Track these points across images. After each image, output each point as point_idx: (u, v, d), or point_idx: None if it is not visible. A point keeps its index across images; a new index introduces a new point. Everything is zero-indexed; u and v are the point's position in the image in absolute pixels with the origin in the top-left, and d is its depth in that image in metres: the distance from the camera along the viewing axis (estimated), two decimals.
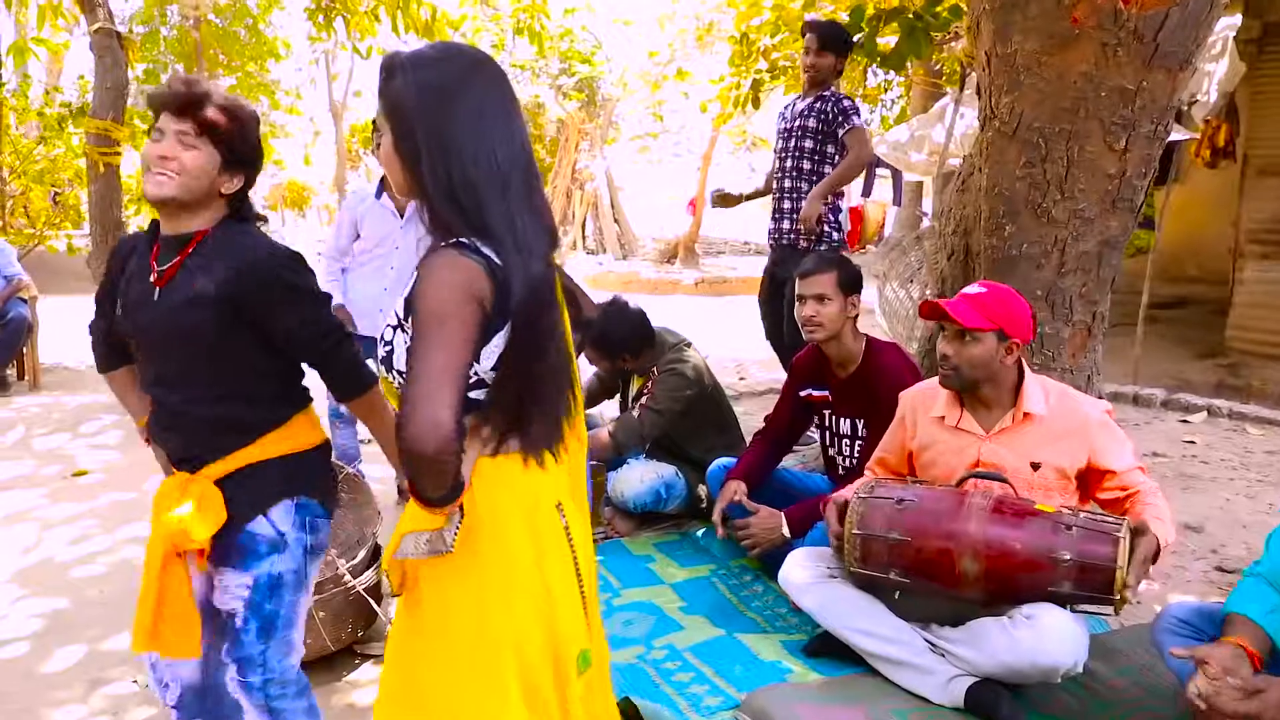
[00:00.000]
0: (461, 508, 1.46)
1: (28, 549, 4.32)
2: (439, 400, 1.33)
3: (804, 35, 4.47)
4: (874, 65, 6.68)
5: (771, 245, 4.68)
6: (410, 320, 1.43)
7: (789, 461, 3.80)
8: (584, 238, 18.26)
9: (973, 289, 2.44)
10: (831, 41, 4.37)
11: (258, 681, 1.94)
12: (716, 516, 3.06)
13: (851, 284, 3.09)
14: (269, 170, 17.97)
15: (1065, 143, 2.79)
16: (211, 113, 1.80)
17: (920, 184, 15.42)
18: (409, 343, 1.41)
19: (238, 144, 1.86)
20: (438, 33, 8.66)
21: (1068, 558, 2.19)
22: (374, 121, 1.52)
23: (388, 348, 1.48)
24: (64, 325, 9.47)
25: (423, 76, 1.43)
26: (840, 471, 3.25)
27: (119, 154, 6.12)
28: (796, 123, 4.44)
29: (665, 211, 21.44)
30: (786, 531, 3.00)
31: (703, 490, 3.58)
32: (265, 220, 2.04)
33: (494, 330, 1.42)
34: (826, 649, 2.63)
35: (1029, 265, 2.99)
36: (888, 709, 2.34)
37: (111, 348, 2.04)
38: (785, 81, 9.14)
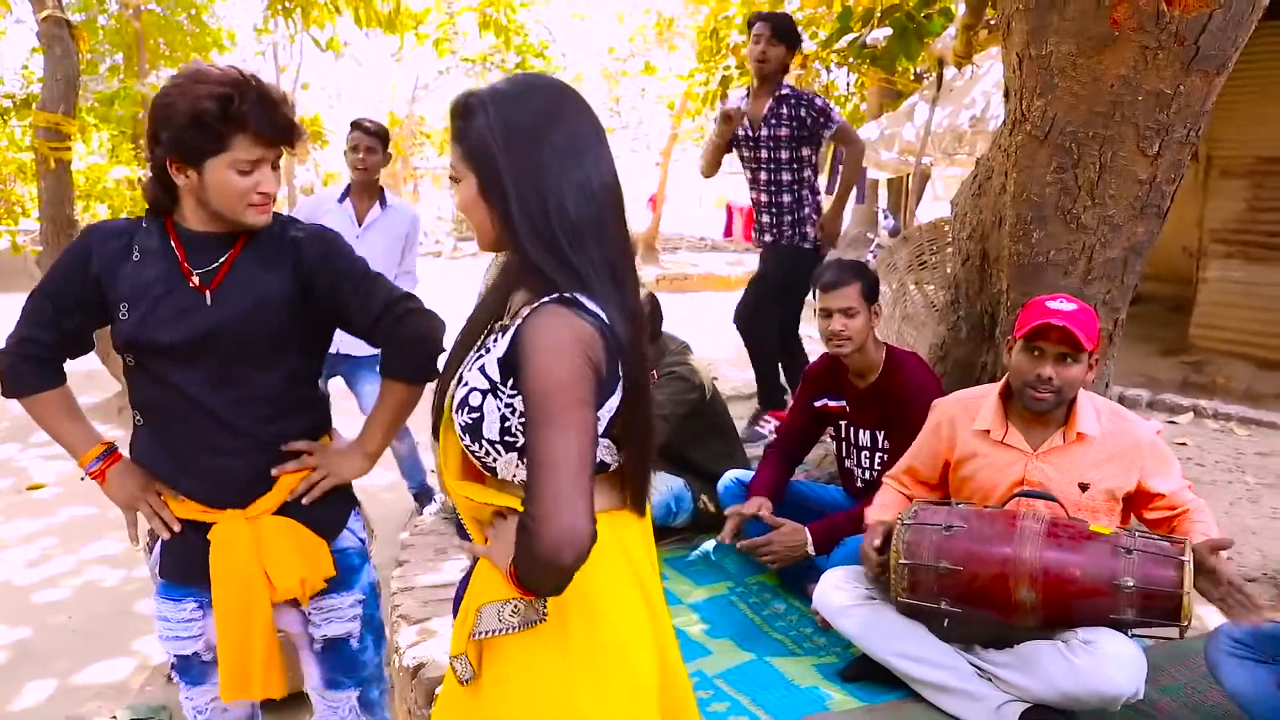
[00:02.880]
0: None
1: None
2: (578, 503, 1.18)
3: (752, 26, 4.32)
4: (861, 65, 6.62)
5: (761, 251, 4.62)
6: (515, 388, 1.25)
7: None
8: None
9: (1064, 304, 2.33)
10: (785, 33, 4.26)
11: (377, 695, 1.90)
12: (731, 529, 2.92)
13: (873, 293, 3.00)
14: None
15: (1098, 148, 2.71)
16: (301, 134, 1.65)
17: (877, 181, 15.52)
18: (524, 420, 1.23)
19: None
20: (400, 27, 8.43)
21: (1130, 584, 2.11)
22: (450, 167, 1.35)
23: (474, 415, 1.29)
24: (9, 324, 9.07)
25: (509, 114, 1.28)
26: (858, 484, 3.16)
27: (70, 149, 5.80)
28: (764, 132, 4.28)
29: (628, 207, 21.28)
30: (811, 549, 2.90)
31: (706, 503, 3.46)
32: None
33: (607, 394, 1.27)
34: (864, 673, 2.53)
35: (1056, 272, 2.91)
36: None
37: (45, 364, 1.75)
38: (750, 79, 9.09)
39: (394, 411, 1.85)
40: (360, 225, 3.88)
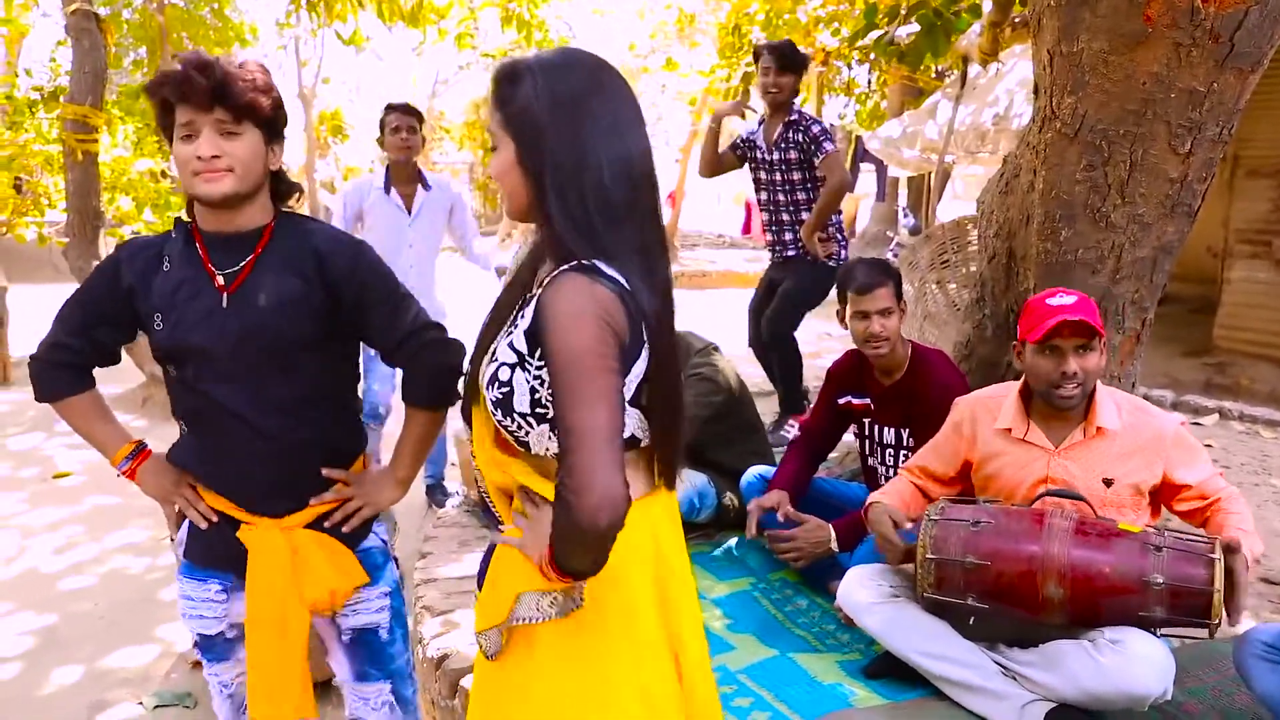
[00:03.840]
0: None
1: (9, 559, 4.10)
2: (610, 466, 1.18)
3: (758, 59, 4.45)
4: (889, 62, 6.59)
5: (774, 263, 4.66)
6: (540, 359, 1.26)
7: None
8: None
9: (1063, 299, 2.32)
10: (790, 62, 4.36)
11: (410, 693, 1.91)
12: (753, 522, 2.93)
13: (900, 291, 2.99)
14: None
15: (1129, 145, 2.69)
16: (244, 93, 1.61)
17: (897, 179, 15.46)
18: (551, 391, 1.24)
19: (278, 114, 1.70)
20: (422, 21, 8.45)
21: (1160, 581, 2.10)
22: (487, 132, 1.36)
23: (504, 389, 1.29)
24: (36, 316, 9.15)
25: (556, 85, 1.28)
26: (882, 482, 3.13)
27: (97, 141, 5.85)
28: (776, 155, 4.41)
29: None
30: (835, 545, 2.89)
31: (731, 499, 3.46)
32: (302, 190, 1.87)
33: (631, 361, 1.28)
34: (887, 670, 2.52)
35: (1084, 271, 2.90)
36: None
37: (75, 370, 1.78)
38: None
39: (420, 437, 1.87)
40: (410, 214, 3.91)
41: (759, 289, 4.72)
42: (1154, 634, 2.21)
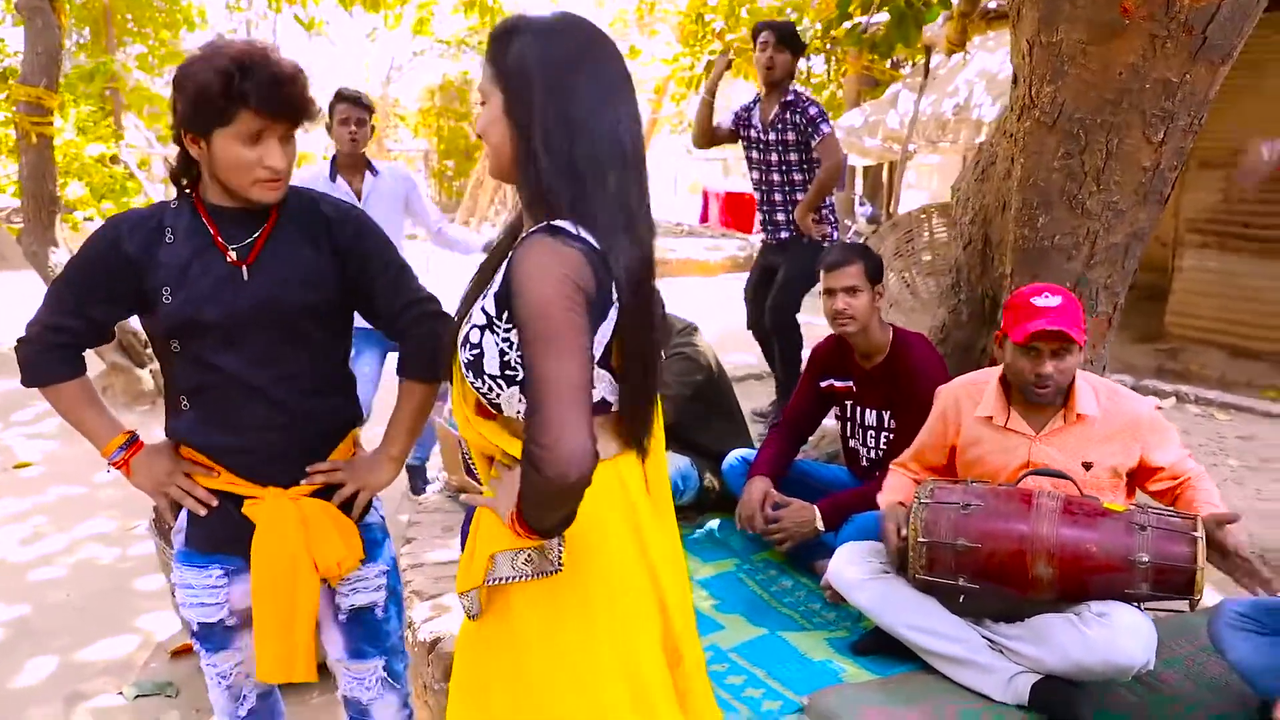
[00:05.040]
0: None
1: None
2: (577, 420, 1.21)
3: (756, 36, 4.46)
4: (861, 51, 6.65)
5: (766, 245, 4.66)
6: (509, 321, 1.29)
7: None
8: None
9: (1049, 300, 2.37)
10: (787, 40, 4.38)
11: (402, 668, 1.92)
12: (758, 521, 2.98)
13: (877, 273, 3.04)
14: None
15: (1105, 134, 2.77)
16: (311, 106, 1.64)
17: (854, 168, 15.59)
18: (520, 350, 1.27)
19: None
20: (384, 5, 8.34)
21: (1145, 559, 2.17)
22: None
23: (475, 351, 1.32)
24: None
25: (551, 44, 1.31)
26: (863, 463, 3.21)
27: (52, 123, 5.70)
28: (772, 136, 4.42)
29: None
30: (820, 525, 2.95)
31: (711, 480, 3.50)
32: None
33: (597, 322, 1.30)
34: (876, 646, 2.58)
35: (1060, 257, 2.97)
36: (954, 709, 2.30)
37: (68, 352, 1.72)
38: (738, 63, 9.10)
39: (414, 412, 1.87)
40: (361, 200, 3.86)
41: (753, 273, 4.73)
42: (1138, 607, 2.29)
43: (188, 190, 1.72)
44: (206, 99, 1.56)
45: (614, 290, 1.30)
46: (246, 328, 1.67)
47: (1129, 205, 2.90)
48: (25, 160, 5.70)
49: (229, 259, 1.67)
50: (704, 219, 20.08)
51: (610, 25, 13.74)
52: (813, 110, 4.31)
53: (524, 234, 1.32)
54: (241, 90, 1.55)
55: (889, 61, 11.28)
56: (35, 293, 6.32)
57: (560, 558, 1.33)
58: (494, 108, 1.33)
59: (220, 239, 1.67)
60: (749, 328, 4.74)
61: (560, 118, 1.29)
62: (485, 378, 1.32)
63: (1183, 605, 2.25)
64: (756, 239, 15.28)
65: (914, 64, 10.16)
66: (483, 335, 1.31)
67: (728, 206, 18.05)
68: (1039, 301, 2.39)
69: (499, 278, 1.32)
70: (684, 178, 23.42)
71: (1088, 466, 2.45)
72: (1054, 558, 2.24)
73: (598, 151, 1.30)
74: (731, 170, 22.81)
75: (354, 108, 3.87)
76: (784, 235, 4.52)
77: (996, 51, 8.12)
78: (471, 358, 1.32)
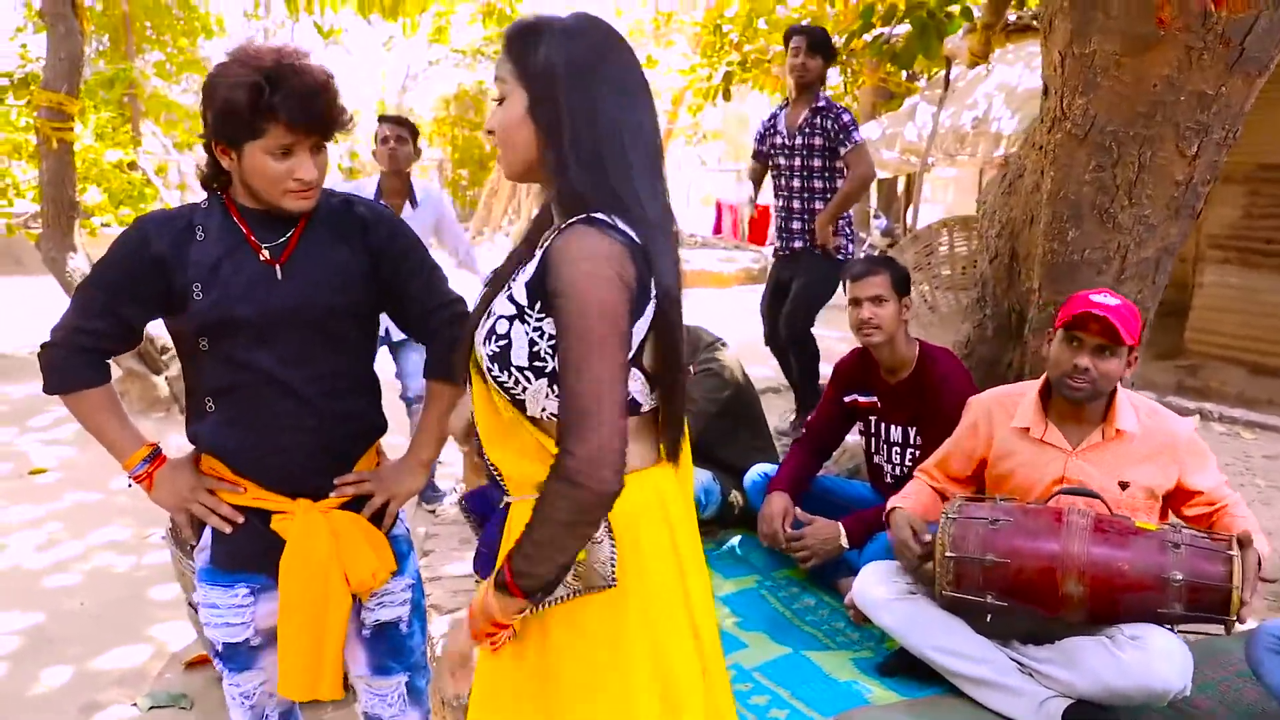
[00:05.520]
0: (610, 527, 1.29)
1: None
2: (613, 425, 1.17)
3: (788, 41, 4.43)
4: (883, 63, 6.62)
5: (781, 257, 4.61)
6: (542, 310, 1.24)
7: None
8: None
9: (1107, 299, 2.34)
10: (820, 45, 4.35)
11: (424, 685, 1.89)
12: (781, 539, 2.93)
13: (904, 284, 3.00)
14: (199, 150, 17.20)
15: (1138, 147, 2.73)
16: (342, 116, 1.62)
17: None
18: (556, 343, 1.22)
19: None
20: (403, 13, 8.35)
21: (1179, 578, 2.12)
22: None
23: (502, 342, 1.26)
24: (4, 308, 8.91)
25: (576, 45, 1.29)
26: (887, 480, 3.16)
27: (72, 129, 5.71)
28: (799, 140, 4.38)
29: None
30: (845, 542, 2.90)
31: (735, 496, 3.45)
32: None
33: (637, 314, 1.26)
34: (902, 668, 2.53)
35: (1090, 272, 2.93)
36: None
37: (94, 357, 1.68)
38: (755, 75, 9.09)
39: (443, 416, 1.85)
40: None
41: (768, 286, 4.69)
42: (1171, 630, 2.24)
43: (215, 190, 1.69)
44: (234, 113, 1.54)
45: (652, 285, 1.27)
46: (279, 326, 1.64)
47: (1160, 220, 2.86)
48: (46, 165, 5.71)
49: (262, 258, 1.65)
50: (717, 230, 20.07)
51: (628, 34, 13.78)
52: (846, 117, 4.27)
53: (558, 225, 1.28)
54: (270, 104, 1.52)
55: (904, 74, 11.25)
56: (53, 298, 6.33)
57: (613, 570, 1.29)
58: (515, 107, 1.30)
59: (253, 239, 1.65)
60: (766, 343, 4.70)
61: (590, 118, 1.27)
62: (511, 370, 1.27)
63: (1210, 628, 2.19)
64: (769, 250, 15.32)
65: (929, 77, 10.13)
66: (511, 325, 1.26)
67: (762, 224, 18.04)
68: (1096, 298, 2.35)
69: (531, 267, 1.27)
70: (697, 189, 23.42)
71: (1124, 486, 2.41)
72: (1085, 575, 2.19)
73: (628, 149, 1.28)
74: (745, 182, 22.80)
75: (394, 126, 3.98)
76: (797, 245, 4.46)
77: (1016, 65, 8.08)
78: (498, 349, 1.27)
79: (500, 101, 1.32)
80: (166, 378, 6.09)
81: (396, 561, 1.82)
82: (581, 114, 1.26)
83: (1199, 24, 2.52)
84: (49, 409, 5.90)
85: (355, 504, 1.77)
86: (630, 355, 1.26)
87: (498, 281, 1.37)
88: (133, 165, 8.98)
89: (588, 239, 1.21)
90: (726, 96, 8.46)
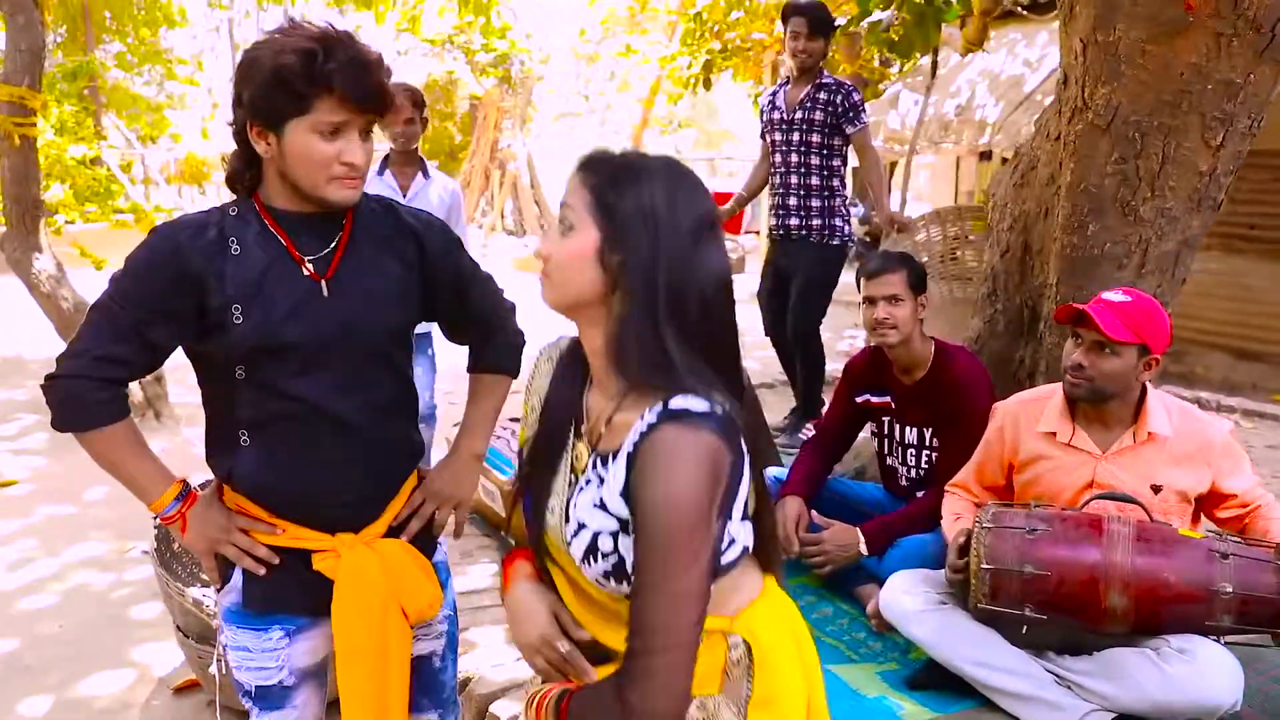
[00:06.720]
0: (748, 647, 1.22)
1: None
2: (685, 657, 1.08)
3: (786, 19, 4.25)
4: (879, 51, 6.52)
5: (776, 239, 4.48)
6: (636, 516, 1.12)
7: None
8: (502, 219, 17.78)
9: (1115, 296, 2.26)
10: (821, 25, 4.19)
11: None
12: (796, 545, 2.83)
13: (920, 283, 2.90)
14: (165, 143, 16.81)
15: (1163, 138, 2.64)
16: (395, 96, 1.50)
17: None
18: (638, 563, 1.11)
19: None
20: (373, 4, 8.15)
21: (1229, 590, 2.04)
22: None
23: (613, 560, 1.15)
24: None
25: (675, 200, 1.17)
26: (902, 482, 3.07)
27: (35, 124, 5.48)
28: (798, 115, 4.22)
29: None
30: (864, 549, 2.80)
31: None
32: None
33: (736, 491, 1.17)
34: (932, 681, 2.44)
35: (1110, 266, 2.85)
36: None
37: (120, 387, 1.48)
38: (736, 63, 8.97)
39: (497, 406, 1.77)
40: (405, 196, 3.71)
41: (765, 276, 4.56)
42: (1217, 641, 2.16)
43: (241, 190, 1.53)
44: (284, 81, 1.37)
45: (743, 445, 1.18)
46: (328, 350, 1.48)
47: (1183, 212, 2.78)
48: (8, 163, 5.48)
49: (305, 271, 1.48)
50: None
51: (602, 24, 13.60)
52: (856, 96, 4.17)
53: (635, 410, 1.15)
54: (325, 71, 1.37)
55: (877, 60, 11.19)
56: (17, 300, 6.07)
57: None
58: (583, 244, 1.17)
59: (296, 251, 1.48)
60: (766, 334, 4.58)
61: (683, 282, 1.15)
62: (628, 581, 1.15)
63: (1263, 639, 2.11)
64: (745, 239, 15.21)
65: (902, 64, 10.07)
66: (617, 540, 1.15)
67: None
68: (1106, 294, 2.27)
69: (620, 472, 1.14)
70: None
71: (1156, 490, 2.32)
72: (1129, 587, 2.10)
73: (715, 309, 1.19)
74: (718, 171, 22.70)
75: (403, 100, 3.72)
76: (791, 223, 4.33)
77: (998, 51, 8.03)
78: (611, 566, 1.15)
79: (564, 229, 1.19)
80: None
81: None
82: (680, 279, 1.15)
83: (1229, 9, 2.43)
84: (18, 416, 5.68)
85: (394, 529, 1.64)
86: (739, 516, 1.20)
87: (550, 441, 1.27)
88: (97, 160, 8.69)
89: (677, 450, 1.09)
90: (707, 86, 8.33)
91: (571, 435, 1.26)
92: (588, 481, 1.19)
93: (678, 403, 1.11)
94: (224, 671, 2.26)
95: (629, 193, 1.16)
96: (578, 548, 1.17)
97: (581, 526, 1.17)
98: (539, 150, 18.25)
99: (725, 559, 1.18)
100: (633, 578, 1.10)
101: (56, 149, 7.42)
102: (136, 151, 14.15)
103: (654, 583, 1.07)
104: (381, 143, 3.01)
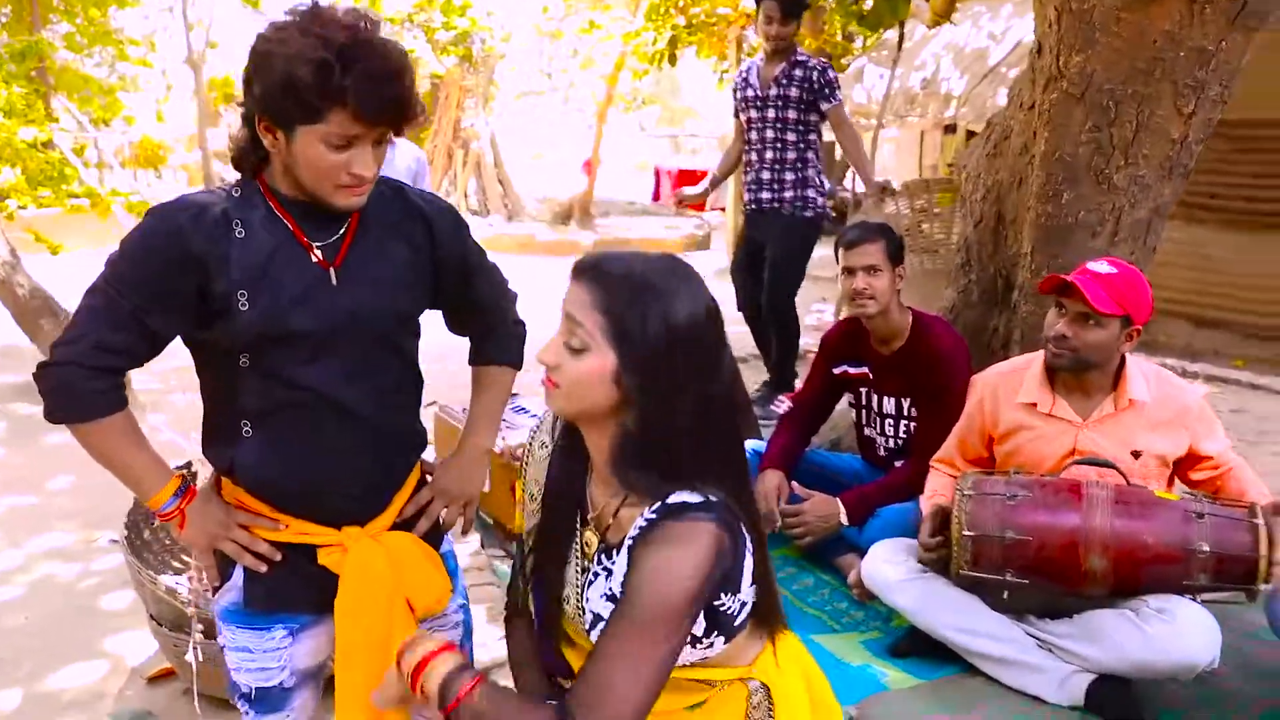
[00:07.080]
0: (767, 690, 1.30)
1: None
2: (635, 709, 1.11)
3: (759, 4, 4.31)
4: (848, 24, 6.50)
5: (749, 214, 4.48)
6: (625, 588, 1.17)
7: None
8: (465, 198, 17.61)
9: (1101, 266, 2.27)
10: (793, 7, 4.24)
11: None
12: (776, 518, 2.84)
13: (898, 253, 2.91)
14: (118, 126, 16.41)
15: (1136, 106, 2.66)
16: (417, 109, 1.38)
17: None
18: (615, 617, 1.15)
19: None
20: None
21: (1205, 549, 2.07)
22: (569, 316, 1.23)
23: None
24: None
25: (672, 308, 1.17)
26: (880, 452, 3.08)
27: None
28: (774, 92, 4.26)
29: (551, 171, 20.92)
30: (844, 519, 2.81)
31: None
32: None
33: (740, 571, 1.21)
34: (915, 648, 2.46)
35: (1084, 234, 2.86)
36: (1010, 714, 2.19)
37: (118, 377, 1.41)
38: (700, 38, 8.91)
39: (502, 400, 1.75)
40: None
41: (739, 251, 4.59)
42: (1193, 599, 2.19)
43: (246, 172, 1.45)
44: (293, 92, 1.28)
45: (743, 528, 1.21)
46: (336, 339, 1.43)
47: (1155, 179, 2.80)
48: None
49: (313, 258, 1.42)
50: (656, 197, 19.92)
51: (564, 0, 13.45)
52: (831, 73, 4.23)
53: (638, 506, 1.20)
54: (339, 88, 1.28)
55: (840, 34, 11.17)
56: None
57: None
58: (599, 366, 1.17)
59: (304, 237, 1.42)
60: (739, 309, 4.58)
61: (694, 397, 1.18)
62: None
63: (1237, 596, 2.15)
64: (711, 216, 15.19)
65: (866, 38, 10.06)
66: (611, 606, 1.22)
67: (680, 184, 17.92)
68: (1091, 265, 2.28)
69: (621, 565, 1.19)
70: (633, 156, 23.21)
71: (1136, 455, 2.35)
72: (1108, 550, 2.13)
73: (726, 418, 1.24)
74: (681, 148, 22.64)
75: None
76: (765, 196, 4.37)
77: (963, 24, 8.04)
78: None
79: (576, 348, 1.18)
80: None
81: (453, 583, 1.66)
82: (692, 394, 1.18)
83: None
84: None
85: (402, 521, 1.59)
86: (745, 587, 1.23)
87: (556, 530, 1.32)
88: (49, 144, 8.46)
89: (673, 548, 1.14)
90: (672, 61, 8.29)
91: (578, 524, 1.30)
92: (596, 574, 1.24)
93: (676, 498, 1.16)
94: (200, 659, 2.22)
95: (646, 318, 1.15)
96: (587, 622, 1.24)
97: (597, 618, 1.22)
98: (502, 129, 18.09)
99: (738, 621, 1.23)
100: (600, 636, 1.14)
101: (6, 131, 7.20)
102: (89, 135, 13.80)
103: (622, 651, 1.11)
104: None
